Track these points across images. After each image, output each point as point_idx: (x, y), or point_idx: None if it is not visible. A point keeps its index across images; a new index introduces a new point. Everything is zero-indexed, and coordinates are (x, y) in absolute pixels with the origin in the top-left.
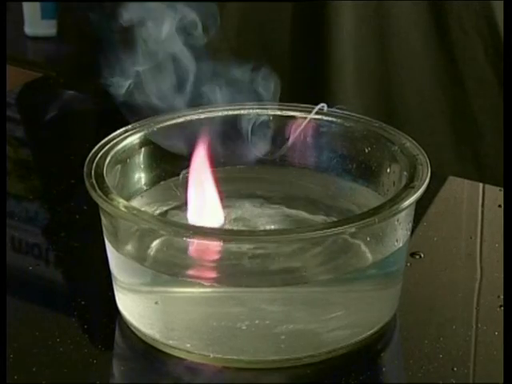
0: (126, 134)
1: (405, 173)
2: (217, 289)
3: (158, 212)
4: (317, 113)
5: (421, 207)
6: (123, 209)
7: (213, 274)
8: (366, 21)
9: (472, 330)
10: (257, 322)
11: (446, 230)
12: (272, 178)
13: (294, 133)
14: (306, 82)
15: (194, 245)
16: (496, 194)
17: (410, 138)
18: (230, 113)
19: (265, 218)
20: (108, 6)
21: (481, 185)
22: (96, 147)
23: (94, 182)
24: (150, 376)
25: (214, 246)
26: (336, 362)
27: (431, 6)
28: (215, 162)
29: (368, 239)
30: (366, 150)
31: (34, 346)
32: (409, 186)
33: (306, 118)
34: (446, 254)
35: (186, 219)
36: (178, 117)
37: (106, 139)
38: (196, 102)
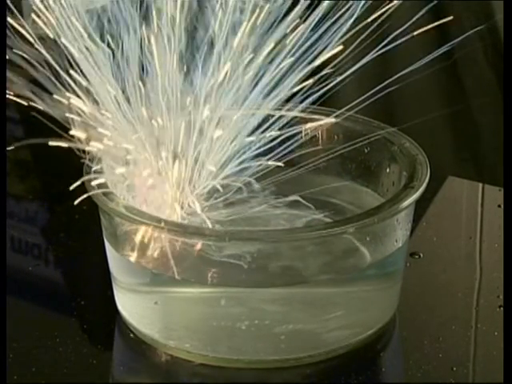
0: None
1: (404, 173)
2: (216, 289)
3: None
4: (315, 112)
5: (420, 207)
6: (123, 209)
7: (212, 274)
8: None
9: (471, 330)
10: (256, 322)
11: (446, 230)
12: (271, 178)
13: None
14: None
15: (194, 245)
16: (495, 194)
17: (410, 138)
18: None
19: (264, 217)
20: None
21: (480, 185)
22: None
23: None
24: (149, 376)
25: (214, 246)
26: (336, 362)
27: (431, 6)
28: None
29: (367, 239)
30: (366, 150)
31: (34, 346)
32: (408, 186)
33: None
34: (445, 254)
35: None
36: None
37: None
38: None
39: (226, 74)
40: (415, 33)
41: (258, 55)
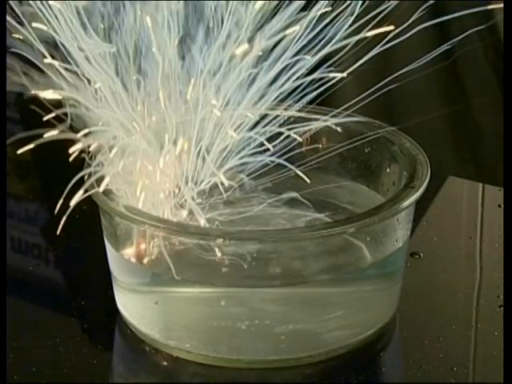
0: None
1: (404, 173)
2: (216, 289)
3: None
4: (315, 112)
5: (420, 207)
6: (123, 209)
7: (212, 274)
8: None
9: (472, 329)
10: (256, 322)
11: (446, 229)
12: (271, 177)
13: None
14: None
15: (194, 244)
16: (495, 193)
17: (410, 138)
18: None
19: (265, 217)
20: None
21: (480, 185)
22: None
23: (94, 181)
24: (149, 376)
25: (214, 246)
26: (336, 361)
27: (431, 5)
28: None
29: (368, 239)
30: (366, 150)
31: (34, 346)
32: (408, 186)
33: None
34: (445, 254)
35: None
36: None
37: None
38: None
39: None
40: (416, 29)
41: (258, 47)
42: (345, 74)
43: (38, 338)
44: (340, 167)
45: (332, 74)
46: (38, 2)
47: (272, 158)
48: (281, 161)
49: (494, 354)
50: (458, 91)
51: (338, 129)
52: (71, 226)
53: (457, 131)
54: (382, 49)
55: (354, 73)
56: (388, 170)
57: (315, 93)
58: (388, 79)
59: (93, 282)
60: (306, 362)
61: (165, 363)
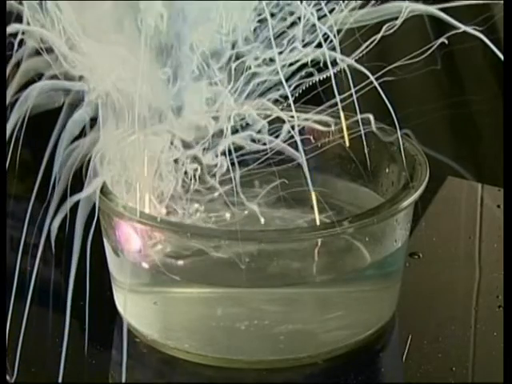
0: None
1: (404, 173)
2: (216, 289)
3: None
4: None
5: (420, 207)
6: (122, 209)
7: (211, 275)
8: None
9: (471, 330)
10: (256, 322)
11: (445, 230)
12: (270, 177)
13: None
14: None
15: (193, 244)
16: (495, 194)
17: (409, 138)
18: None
19: (263, 217)
20: None
21: (480, 185)
22: None
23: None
24: (148, 376)
25: (213, 246)
26: (335, 362)
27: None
28: None
29: (367, 239)
30: (365, 150)
31: (34, 345)
32: (408, 187)
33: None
34: (444, 255)
35: None
36: None
37: None
38: None
39: None
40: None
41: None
42: (351, 60)
43: (38, 338)
44: (339, 167)
45: (337, 55)
46: None
47: (276, 140)
48: (284, 146)
49: (494, 354)
50: (456, 91)
51: (333, 126)
52: (71, 226)
53: (456, 131)
54: (380, 36)
55: (354, 72)
56: (387, 171)
57: (311, 79)
58: (383, 72)
59: (92, 282)
60: (305, 363)
61: (164, 363)
